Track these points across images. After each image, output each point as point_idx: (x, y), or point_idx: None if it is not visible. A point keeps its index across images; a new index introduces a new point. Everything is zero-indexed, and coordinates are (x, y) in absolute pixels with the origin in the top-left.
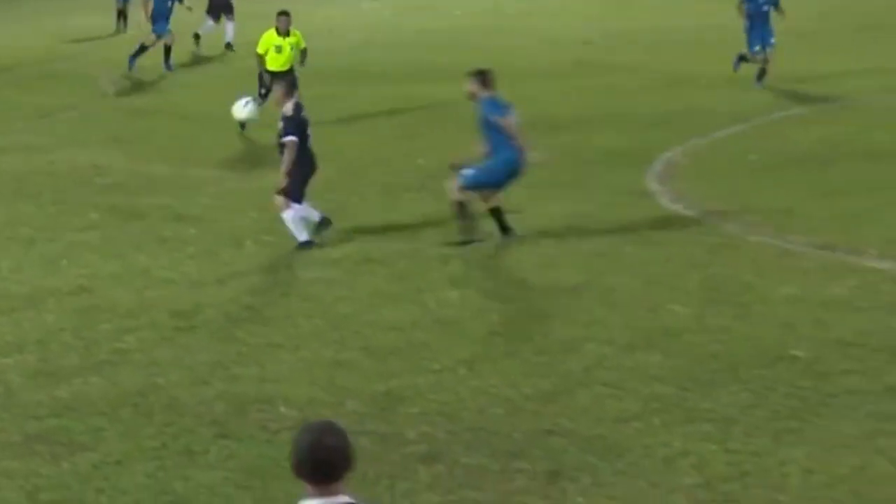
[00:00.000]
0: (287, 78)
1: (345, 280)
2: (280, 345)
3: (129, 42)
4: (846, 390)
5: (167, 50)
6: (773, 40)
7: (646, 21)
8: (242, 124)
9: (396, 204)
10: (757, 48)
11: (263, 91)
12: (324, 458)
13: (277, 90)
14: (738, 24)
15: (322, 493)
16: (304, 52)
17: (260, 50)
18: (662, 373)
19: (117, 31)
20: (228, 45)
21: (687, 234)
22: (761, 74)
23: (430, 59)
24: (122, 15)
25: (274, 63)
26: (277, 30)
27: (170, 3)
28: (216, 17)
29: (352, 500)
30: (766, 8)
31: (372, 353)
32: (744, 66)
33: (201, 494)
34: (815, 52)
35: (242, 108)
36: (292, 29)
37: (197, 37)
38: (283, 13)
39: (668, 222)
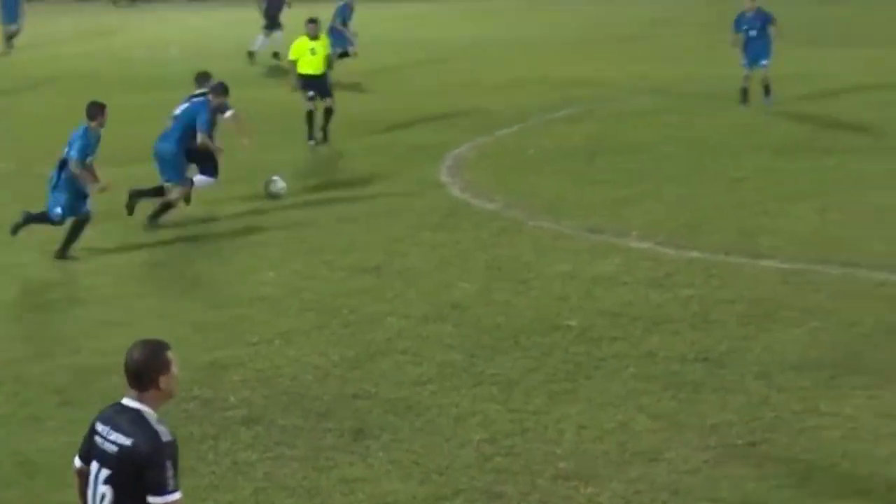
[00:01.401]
0: (318, 81)
1: (174, 263)
2: (117, 322)
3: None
4: (613, 355)
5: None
6: (764, 62)
7: (436, 33)
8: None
9: (232, 192)
10: (744, 63)
11: (311, 94)
12: (129, 368)
13: None
14: (515, 34)
15: (133, 396)
16: (328, 56)
17: (292, 56)
18: (454, 341)
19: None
20: (275, 54)
21: (474, 220)
22: (744, 95)
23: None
24: (10, 38)
25: (308, 66)
26: (308, 35)
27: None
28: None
29: (147, 410)
30: (752, 32)
31: (199, 328)
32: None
33: (47, 456)
34: (582, 59)
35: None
36: (321, 34)
37: (251, 54)
38: (312, 20)
39: (457, 210)
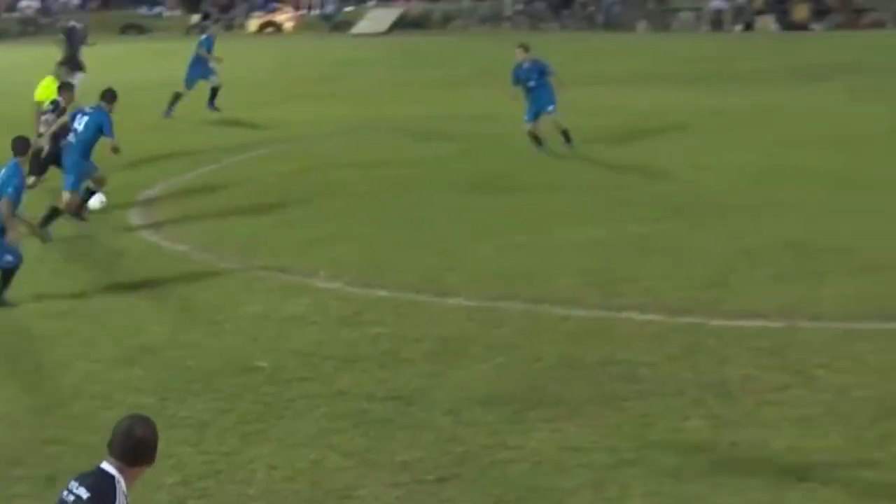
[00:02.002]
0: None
1: None
2: None
3: None
4: (304, 395)
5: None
6: (550, 108)
7: (126, 74)
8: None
9: None
10: (526, 116)
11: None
12: (126, 442)
13: None
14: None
15: (115, 466)
16: None
17: (38, 97)
18: (145, 385)
19: None
20: None
21: (165, 263)
22: (539, 141)
23: None
24: None
25: None
26: (55, 76)
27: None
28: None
29: (122, 481)
30: (531, 83)
31: None
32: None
33: None
34: (273, 100)
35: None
36: None
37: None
38: (62, 63)
39: (148, 252)
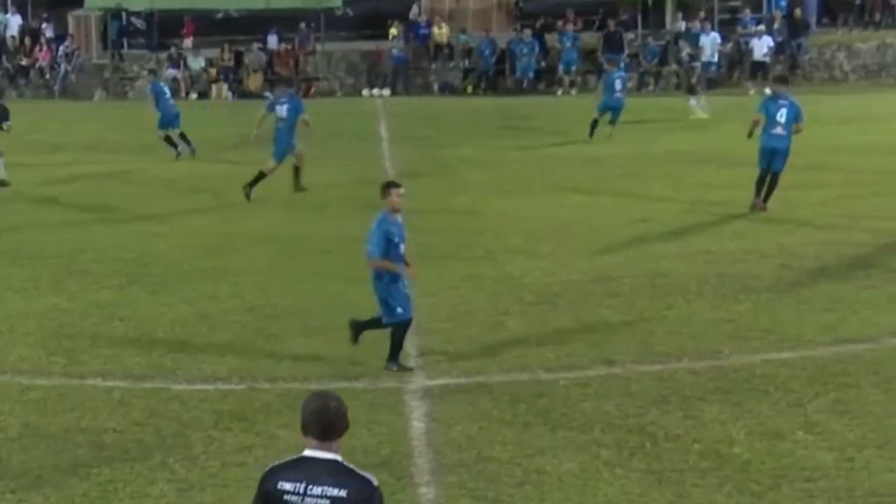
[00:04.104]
0: None
1: None
2: None
3: None
4: None
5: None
6: None
7: None
8: None
9: None
10: None
11: None
12: (323, 419)
13: None
14: None
15: (318, 447)
16: None
17: None
18: None
19: None
20: None
21: None
22: None
23: None
24: None
25: None
26: None
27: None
28: None
29: (337, 458)
30: None
31: None
32: None
33: None
34: None
35: None
36: None
37: None
38: None
39: None
